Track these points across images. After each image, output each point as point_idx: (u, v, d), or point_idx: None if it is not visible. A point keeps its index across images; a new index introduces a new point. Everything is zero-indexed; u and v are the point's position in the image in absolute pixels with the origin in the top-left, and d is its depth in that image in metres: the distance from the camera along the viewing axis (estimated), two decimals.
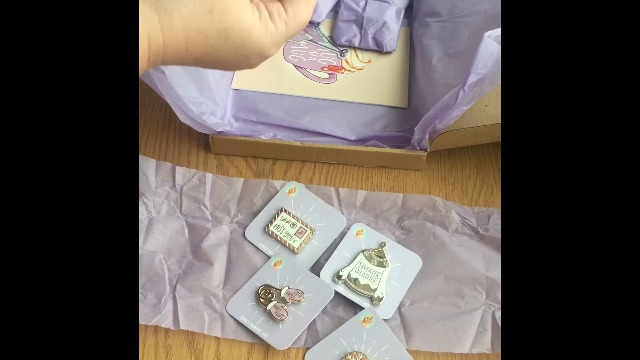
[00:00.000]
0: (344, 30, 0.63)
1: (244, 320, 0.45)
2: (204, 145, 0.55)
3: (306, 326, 0.45)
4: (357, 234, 0.50)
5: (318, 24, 0.65)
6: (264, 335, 0.45)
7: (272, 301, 0.46)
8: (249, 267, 0.48)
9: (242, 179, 0.53)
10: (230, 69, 0.41)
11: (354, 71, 0.61)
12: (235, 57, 0.38)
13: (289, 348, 0.45)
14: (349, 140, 0.56)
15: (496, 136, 0.51)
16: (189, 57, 0.37)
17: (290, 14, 0.40)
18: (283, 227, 0.50)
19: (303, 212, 0.51)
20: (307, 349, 0.45)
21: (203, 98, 0.53)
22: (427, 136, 0.51)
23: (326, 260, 0.48)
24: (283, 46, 0.62)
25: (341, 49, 0.63)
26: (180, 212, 0.51)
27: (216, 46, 0.37)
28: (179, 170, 0.53)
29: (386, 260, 0.48)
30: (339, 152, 0.54)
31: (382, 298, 0.46)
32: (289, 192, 0.52)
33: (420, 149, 0.53)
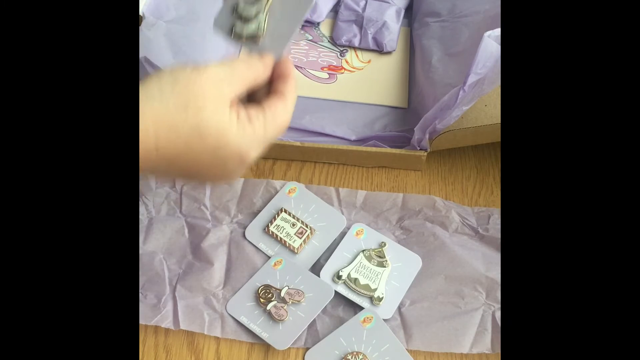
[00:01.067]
0: (344, 30, 0.63)
1: (244, 320, 0.45)
2: None
3: (306, 326, 0.45)
4: (357, 234, 0.50)
5: (318, 24, 0.65)
6: (264, 335, 0.45)
7: (272, 301, 0.46)
8: (249, 267, 0.48)
9: (242, 179, 0.53)
10: (207, 177, 0.37)
11: (354, 71, 0.61)
12: (212, 160, 0.35)
13: (289, 348, 0.45)
14: (349, 140, 0.56)
15: (496, 136, 0.51)
16: (160, 159, 0.33)
17: (269, 116, 0.37)
18: (283, 227, 0.50)
19: (303, 212, 0.51)
20: (307, 349, 0.45)
21: None
22: (427, 136, 0.51)
23: (326, 260, 0.48)
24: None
25: (341, 49, 0.63)
26: (180, 212, 0.51)
27: (189, 144, 0.33)
28: None
29: (386, 260, 0.48)
30: (339, 152, 0.54)
31: (382, 298, 0.46)
32: (289, 192, 0.52)
33: (420, 149, 0.53)
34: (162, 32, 0.54)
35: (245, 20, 0.40)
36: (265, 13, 0.41)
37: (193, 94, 0.33)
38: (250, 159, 0.37)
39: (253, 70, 0.38)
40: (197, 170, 0.35)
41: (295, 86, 0.40)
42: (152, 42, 0.53)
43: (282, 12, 0.41)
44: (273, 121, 0.38)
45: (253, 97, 0.39)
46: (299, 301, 0.46)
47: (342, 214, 0.51)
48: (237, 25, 0.40)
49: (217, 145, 0.34)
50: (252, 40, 0.40)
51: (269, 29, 0.41)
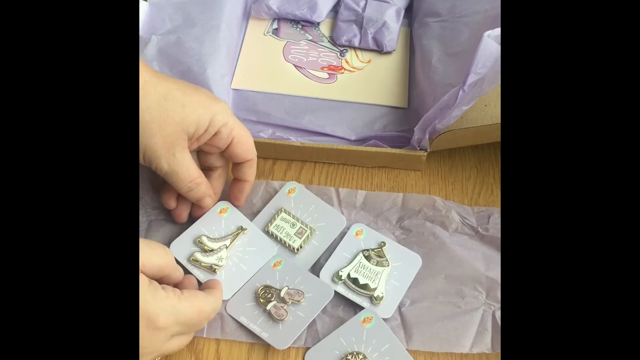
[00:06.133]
0: (344, 30, 0.63)
1: (243, 320, 0.45)
2: None
3: (306, 326, 0.45)
4: (356, 234, 0.50)
5: (318, 24, 0.65)
6: (264, 335, 0.45)
7: (271, 301, 0.46)
8: None
9: None
10: None
11: (354, 71, 0.61)
12: None
13: (289, 348, 0.45)
14: (349, 140, 0.56)
15: (496, 136, 0.51)
16: None
17: (186, 293, 0.39)
18: (283, 227, 0.50)
19: (303, 212, 0.51)
20: (307, 348, 0.45)
21: None
22: (427, 136, 0.51)
23: (326, 260, 0.48)
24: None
25: (341, 49, 0.63)
26: None
27: None
28: None
29: (386, 260, 0.48)
30: (339, 152, 0.54)
31: (382, 297, 0.46)
32: (289, 192, 0.52)
33: (420, 149, 0.53)
34: (155, 49, 0.54)
35: (207, 251, 0.47)
36: (228, 249, 0.47)
37: None
38: (160, 323, 0.36)
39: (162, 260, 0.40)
40: None
41: (221, 296, 0.43)
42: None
43: (242, 257, 0.47)
44: (189, 298, 0.39)
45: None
46: (298, 301, 0.46)
47: (342, 214, 0.51)
48: (196, 254, 0.47)
49: None
50: (210, 269, 0.46)
51: (227, 265, 0.47)
